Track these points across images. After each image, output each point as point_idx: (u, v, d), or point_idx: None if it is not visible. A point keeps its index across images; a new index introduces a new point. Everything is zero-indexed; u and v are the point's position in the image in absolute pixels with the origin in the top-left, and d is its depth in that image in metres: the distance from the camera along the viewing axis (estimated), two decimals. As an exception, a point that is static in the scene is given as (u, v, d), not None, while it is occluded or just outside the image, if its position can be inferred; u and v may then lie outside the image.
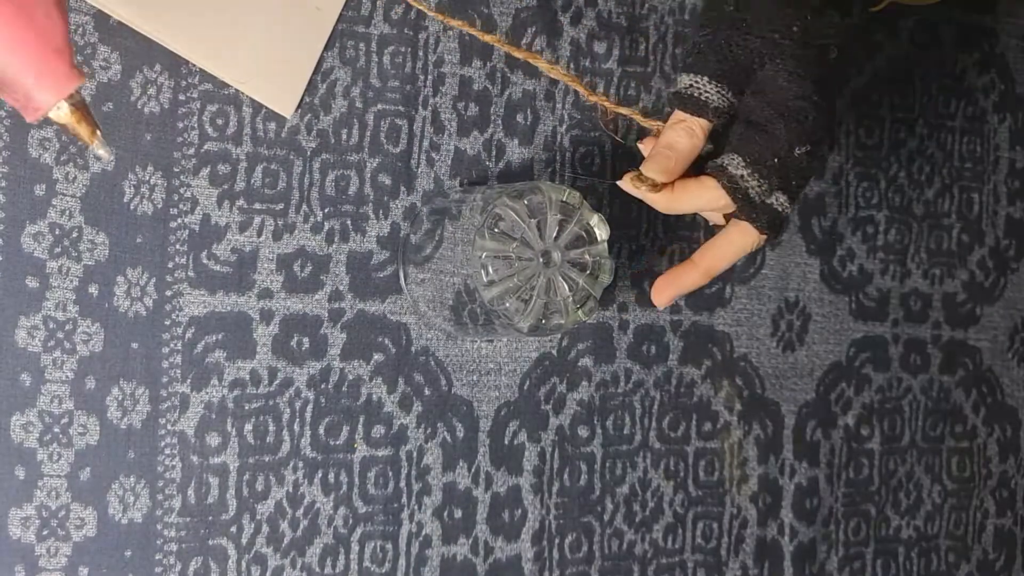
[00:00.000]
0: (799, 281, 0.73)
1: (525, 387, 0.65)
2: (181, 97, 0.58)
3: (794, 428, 0.73)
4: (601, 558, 0.68)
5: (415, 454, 0.63)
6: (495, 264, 0.53)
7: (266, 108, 0.59)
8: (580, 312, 0.54)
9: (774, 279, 0.72)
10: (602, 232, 0.56)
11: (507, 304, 0.53)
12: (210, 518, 0.59)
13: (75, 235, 0.56)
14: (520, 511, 0.66)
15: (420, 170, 0.63)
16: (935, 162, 0.77)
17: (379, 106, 0.62)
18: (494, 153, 0.65)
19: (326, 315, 0.61)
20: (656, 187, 0.53)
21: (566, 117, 0.66)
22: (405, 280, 0.62)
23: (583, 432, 0.67)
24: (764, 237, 0.53)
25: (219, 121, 0.59)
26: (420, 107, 0.63)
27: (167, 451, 0.58)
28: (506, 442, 0.65)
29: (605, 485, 0.68)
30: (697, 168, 0.56)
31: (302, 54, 0.59)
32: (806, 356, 0.73)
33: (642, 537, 0.69)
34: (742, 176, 0.49)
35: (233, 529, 0.59)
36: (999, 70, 0.78)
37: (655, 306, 0.60)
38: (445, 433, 0.64)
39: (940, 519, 0.78)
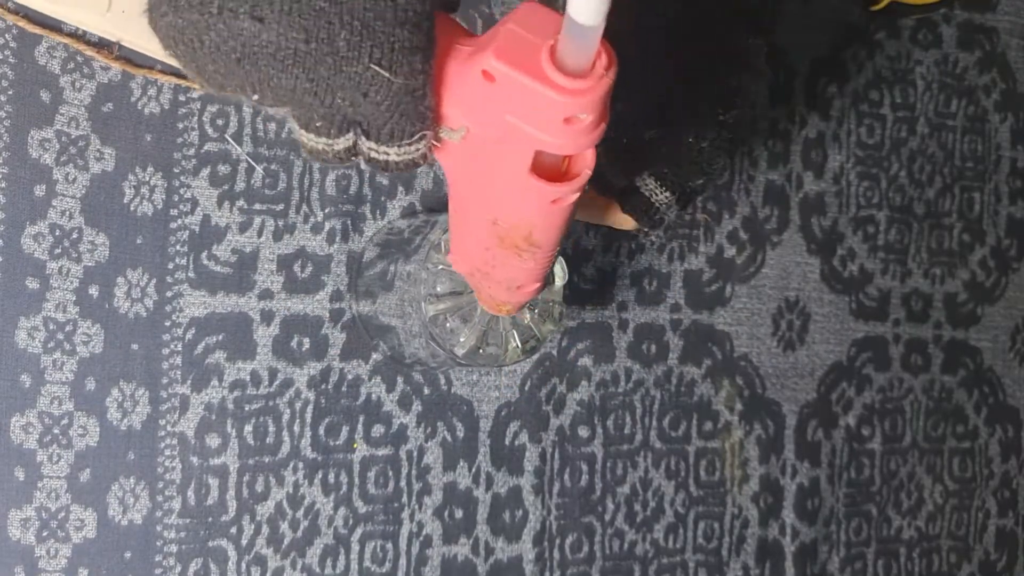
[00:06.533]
0: (799, 280, 0.73)
1: (526, 388, 0.65)
2: (181, 98, 0.58)
3: (795, 428, 0.73)
4: (602, 558, 0.68)
5: (415, 453, 0.63)
6: (442, 277, 0.50)
7: (266, 109, 0.59)
8: (519, 350, 0.51)
9: (774, 278, 0.72)
10: (559, 277, 0.52)
11: (447, 324, 0.50)
12: (210, 519, 0.59)
13: (75, 236, 0.56)
14: (521, 512, 0.66)
15: (419, 169, 0.63)
16: (936, 161, 0.77)
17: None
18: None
19: (327, 315, 0.61)
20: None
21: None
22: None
23: (584, 432, 0.67)
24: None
25: (219, 121, 0.59)
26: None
27: (167, 452, 0.58)
28: (507, 443, 0.65)
29: (606, 485, 0.68)
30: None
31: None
32: (807, 356, 0.73)
33: (643, 537, 0.69)
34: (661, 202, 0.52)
35: (233, 530, 0.59)
36: (1000, 69, 0.78)
37: None
38: (445, 432, 0.64)
39: (942, 519, 0.78)
